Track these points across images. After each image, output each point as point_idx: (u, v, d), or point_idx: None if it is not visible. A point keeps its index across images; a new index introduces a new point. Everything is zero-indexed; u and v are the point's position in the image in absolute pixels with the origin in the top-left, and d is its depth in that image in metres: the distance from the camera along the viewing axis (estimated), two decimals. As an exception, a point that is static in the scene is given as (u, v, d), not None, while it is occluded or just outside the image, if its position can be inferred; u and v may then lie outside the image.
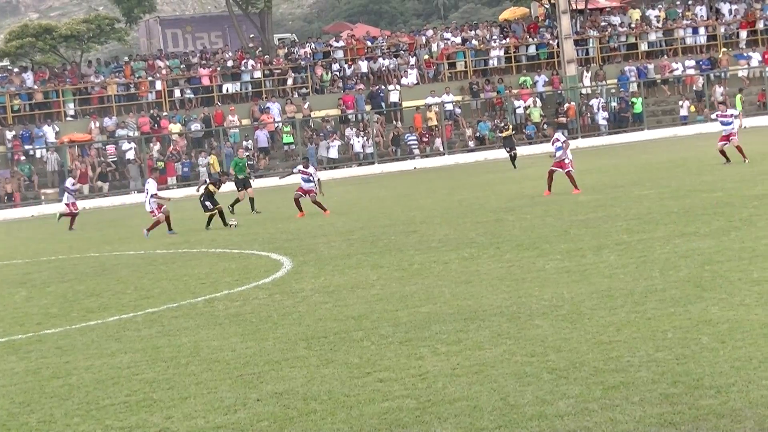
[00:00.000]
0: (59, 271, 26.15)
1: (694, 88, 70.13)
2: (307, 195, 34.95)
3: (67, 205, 42.83)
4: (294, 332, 14.76)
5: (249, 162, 44.04)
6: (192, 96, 66.72)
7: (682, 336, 12.03)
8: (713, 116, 38.66)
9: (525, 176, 43.44)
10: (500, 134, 57.34)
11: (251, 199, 39.43)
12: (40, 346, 15.90)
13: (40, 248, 34.05)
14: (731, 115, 37.37)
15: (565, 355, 11.73)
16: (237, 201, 39.35)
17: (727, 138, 36.82)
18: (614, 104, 69.01)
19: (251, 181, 41.56)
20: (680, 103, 68.74)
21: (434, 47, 71.71)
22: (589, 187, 33.44)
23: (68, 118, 64.67)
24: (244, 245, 27.70)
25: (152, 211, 33.98)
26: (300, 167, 35.75)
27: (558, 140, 33.87)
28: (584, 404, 9.82)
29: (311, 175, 35.20)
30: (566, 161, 33.26)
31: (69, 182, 45.19)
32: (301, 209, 34.90)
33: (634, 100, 68.36)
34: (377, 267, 20.55)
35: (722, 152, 36.66)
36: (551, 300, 15.02)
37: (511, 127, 55.69)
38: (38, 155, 62.75)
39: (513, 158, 51.17)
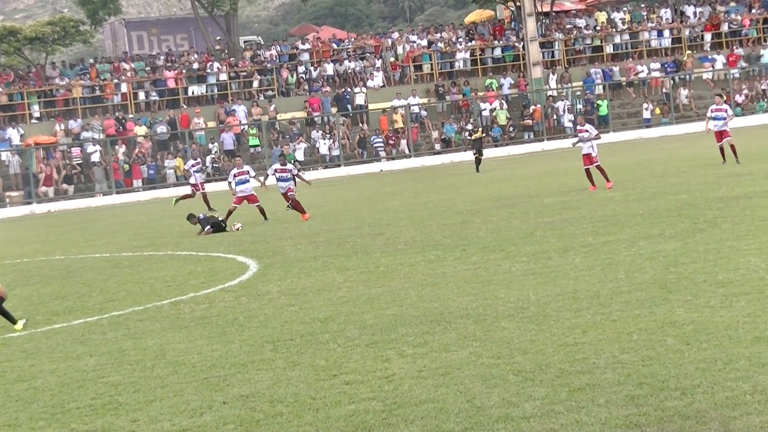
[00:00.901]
0: (24, 274, 26.00)
1: (664, 90, 70.49)
2: (286, 195, 34.00)
3: (193, 186, 42.42)
4: (260, 335, 14.73)
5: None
6: (157, 98, 66.51)
7: (647, 338, 12.07)
8: (708, 113, 38.15)
9: (491, 179, 43.53)
10: (470, 137, 57.35)
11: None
12: (5, 349, 15.82)
13: (4, 251, 33.82)
14: (725, 110, 37.29)
15: (531, 357, 11.75)
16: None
17: (721, 135, 36.62)
18: (580, 106, 69.23)
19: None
20: (644, 105, 69.09)
21: (400, 50, 71.75)
22: (555, 190, 33.60)
23: (33, 121, 64.31)
24: (210, 248, 27.62)
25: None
26: (277, 165, 35.01)
27: (587, 131, 33.68)
28: (550, 406, 9.83)
29: (290, 171, 34.53)
30: (593, 155, 33.22)
31: (189, 164, 44.44)
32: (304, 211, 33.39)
33: (599, 102, 68.69)
34: (343, 269, 20.54)
35: (722, 150, 36.49)
36: (517, 302, 15.04)
37: (481, 129, 55.76)
38: (3, 158, 62.35)
39: (478, 162, 51.04)
